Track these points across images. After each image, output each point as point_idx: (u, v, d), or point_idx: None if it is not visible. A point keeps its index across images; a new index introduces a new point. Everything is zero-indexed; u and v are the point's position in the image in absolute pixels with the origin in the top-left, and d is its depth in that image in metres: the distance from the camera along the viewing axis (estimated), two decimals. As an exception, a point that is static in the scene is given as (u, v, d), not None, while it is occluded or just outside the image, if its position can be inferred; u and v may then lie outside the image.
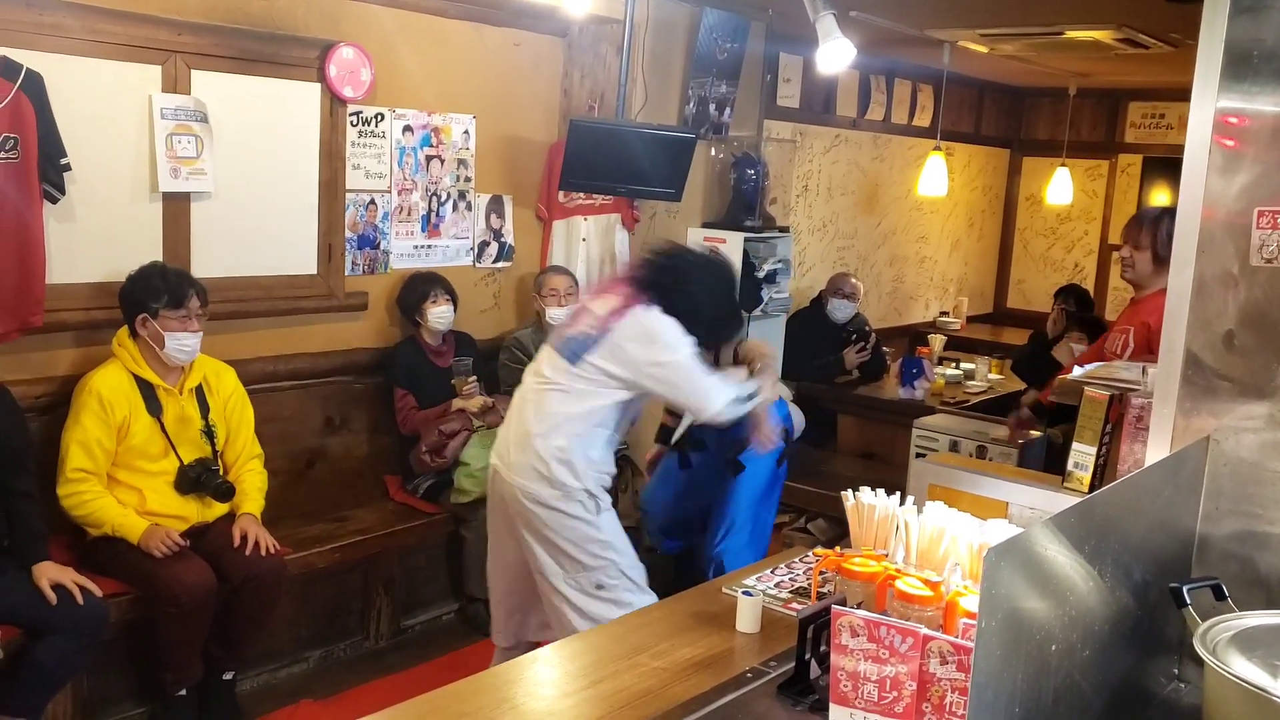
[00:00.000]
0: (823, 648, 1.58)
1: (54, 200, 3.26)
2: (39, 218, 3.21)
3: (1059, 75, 6.95)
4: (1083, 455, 1.87)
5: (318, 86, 3.90)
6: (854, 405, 5.43)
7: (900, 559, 1.65)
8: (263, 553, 3.35)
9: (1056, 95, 7.61)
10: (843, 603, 1.58)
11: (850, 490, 1.75)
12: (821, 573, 1.77)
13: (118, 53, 3.38)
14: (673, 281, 3.00)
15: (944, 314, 7.61)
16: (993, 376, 5.78)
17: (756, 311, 4.99)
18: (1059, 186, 7.22)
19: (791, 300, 5.34)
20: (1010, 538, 1.12)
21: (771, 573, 2.25)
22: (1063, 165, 7.29)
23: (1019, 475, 2.11)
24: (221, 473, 3.42)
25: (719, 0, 4.78)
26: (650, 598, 3.02)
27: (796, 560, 2.33)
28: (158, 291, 3.23)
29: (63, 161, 3.24)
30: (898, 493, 1.75)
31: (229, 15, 3.62)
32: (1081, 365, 2.86)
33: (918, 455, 4.57)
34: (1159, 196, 7.60)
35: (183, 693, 3.31)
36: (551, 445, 2.97)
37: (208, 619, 3.26)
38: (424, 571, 4.24)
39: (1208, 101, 1.72)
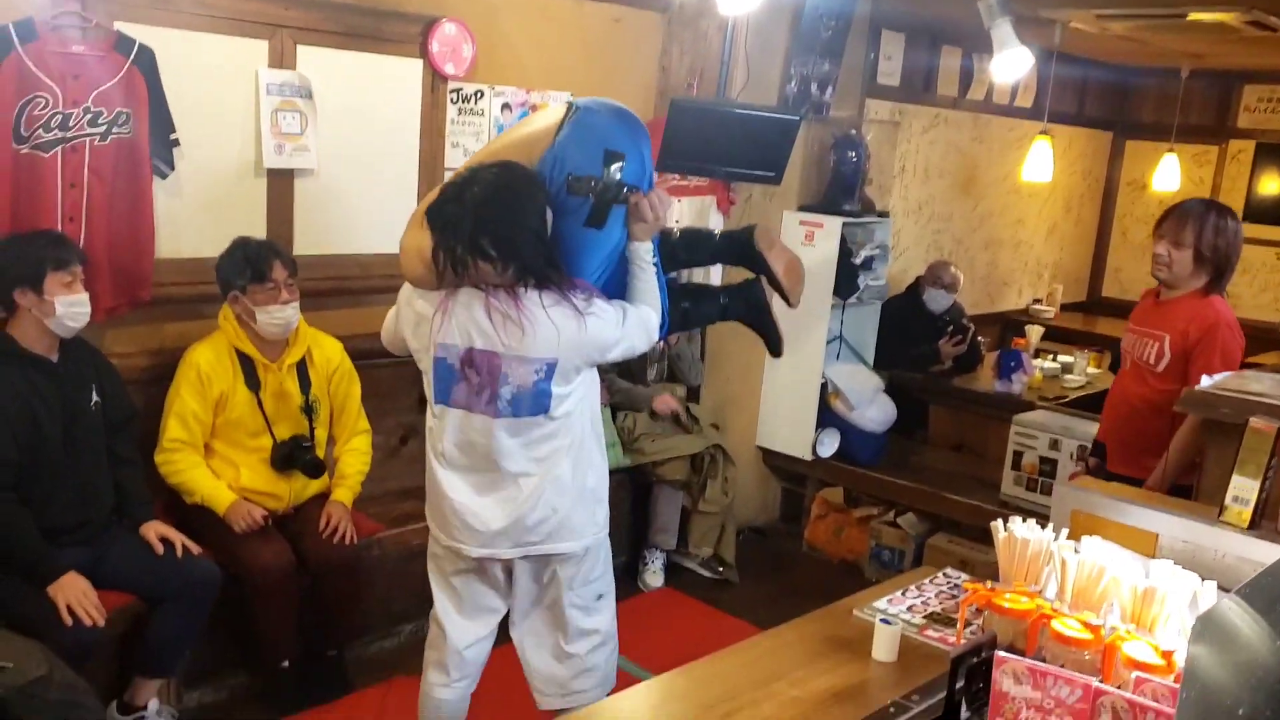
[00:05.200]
0: (975, 689, 1.51)
1: (163, 175, 3.29)
2: (149, 193, 3.24)
3: (1170, 56, 6.66)
4: (1244, 489, 1.76)
5: (420, 63, 3.87)
6: (947, 396, 5.31)
7: (1053, 596, 1.57)
8: (336, 540, 3.33)
9: (1165, 76, 7.31)
10: (992, 641, 1.50)
11: (1000, 521, 1.66)
12: (970, 607, 1.69)
13: (227, 27, 3.38)
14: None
15: (1037, 301, 7.41)
16: (1091, 371, 5.60)
17: (852, 299, 4.89)
18: (1166, 172, 6.95)
19: (888, 287, 5.22)
20: (1215, 606, 1.05)
21: (902, 594, 2.17)
22: (1170, 150, 7.01)
23: (1171, 505, 1.99)
24: (317, 450, 3.43)
25: (826, -24, 4.65)
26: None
27: (927, 582, 2.25)
28: (240, 268, 3.23)
29: (172, 137, 3.27)
30: (1049, 525, 1.66)
31: (335, -10, 3.61)
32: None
33: (1015, 453, 4.45)
34: (1270, 185, 7.30)
35: (285, 665, 3.34)
36: (586, 494, 2.55)
37: (291, 598, 3.26)
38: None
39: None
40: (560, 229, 2.37)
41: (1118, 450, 3.41)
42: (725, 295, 2.90)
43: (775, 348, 2.85)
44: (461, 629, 2.70)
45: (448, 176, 3.99)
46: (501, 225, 2.27)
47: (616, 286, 2.54)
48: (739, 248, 2.79)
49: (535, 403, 2.38)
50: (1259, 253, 7.18)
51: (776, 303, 2.80)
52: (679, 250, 2.79)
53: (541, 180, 2.36)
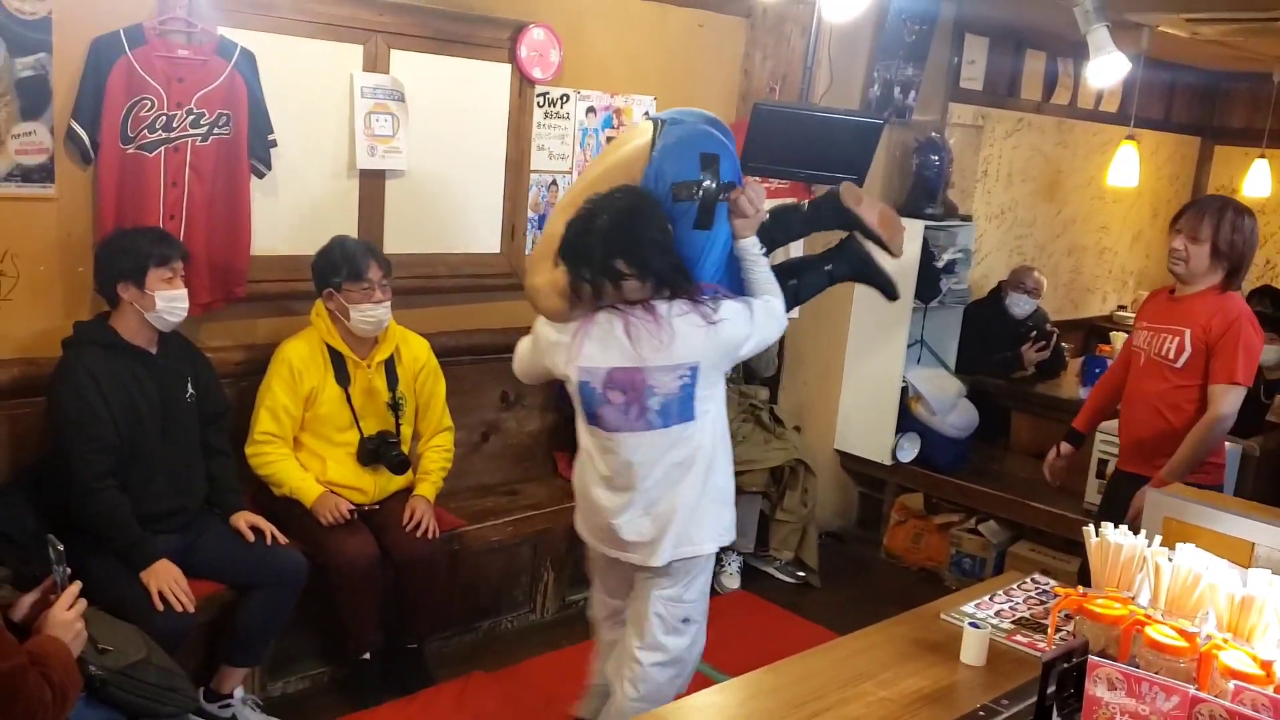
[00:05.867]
0: (1066, 694, 1.49)
1: (260, 175, 3.38)
2: (247, 192, 3.33)
3: (1262, 60, 6.49)
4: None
5: (508, 67, 3.93)
6: (1030, 403, 5.23)
7: (1146, 602, 1.55)
8: (419, 535, 3.38)
9: (1256, 80, 7.12)
10: (1084, 646, 1.49)
11: (1092, 526, 1.64)
12: (1061, 612, 1.67)
13: (324, 32, 3.46)
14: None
15: (1122, 308, 7.26)
16: (1179, 379, 5.47)
17: (934, 303, 4.85)
18: (1257, 178, 6.77)
19: (970, 291, 5.16)
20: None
21: (990, 599, 2.15)
22: (1261, 156, 6.83)
23: (1268, 514, 1.94)
24: (402, 446, 3.48)
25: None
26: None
27: (1015, 587, 2.23)
28: (337, 266, 3.29)
29: (270, 138, 3.35)
30: (1143, 531, 1.64)
31: (427, -4, 3.68)
32: None
33: (1100, 461, 4.37)
34: (1367, 192, 7.06)
35: (366, 657, 3.40)
36: (718, 495, 2.63)
37: (375, 590, 3.31)
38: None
39: None
40: (675, 237, 2.47)
41: (1133, 449, 3.37)
42: (826, 261, 2.96)
43: (891, 292, 2.93)
44: (597, 601, 2.92)
45: (533, 179, 4.08)
46: (629, 243, 2.39)
47: (732, 283, 2.64)
48: (829, 211, 2.87)
49: (683, 408, 2.46)
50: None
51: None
52: (772, 230, 2.87)
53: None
